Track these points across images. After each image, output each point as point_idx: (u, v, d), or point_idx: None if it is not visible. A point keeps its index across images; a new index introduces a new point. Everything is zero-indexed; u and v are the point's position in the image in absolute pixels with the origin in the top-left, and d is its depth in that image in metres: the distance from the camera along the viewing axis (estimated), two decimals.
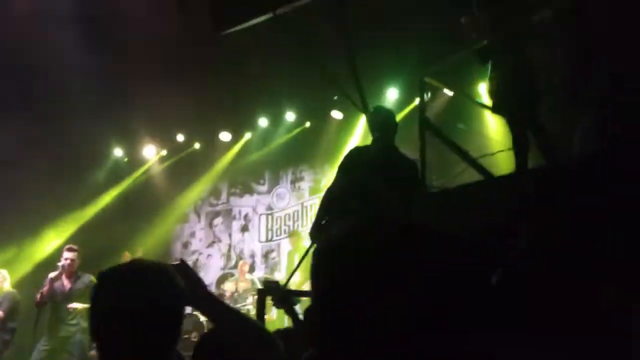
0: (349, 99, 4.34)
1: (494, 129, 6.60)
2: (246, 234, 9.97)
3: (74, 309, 5.95)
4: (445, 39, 5.25)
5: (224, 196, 10.38)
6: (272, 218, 9.81)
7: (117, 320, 1.33)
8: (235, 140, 9.90)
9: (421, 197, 3.98)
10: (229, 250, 10.00)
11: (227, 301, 7.03)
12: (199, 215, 10.49)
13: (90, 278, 6.01)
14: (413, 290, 0.82)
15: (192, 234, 10.38)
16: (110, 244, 8.72)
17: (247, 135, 9.88)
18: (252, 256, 9.66)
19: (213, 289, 9.04)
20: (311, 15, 4.61)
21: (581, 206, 2.63)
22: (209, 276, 9.61)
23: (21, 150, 7.48)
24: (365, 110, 4.13)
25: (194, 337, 6.65)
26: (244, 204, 10.15)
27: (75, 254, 6.14)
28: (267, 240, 9.72)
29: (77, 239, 8.85)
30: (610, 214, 2.94)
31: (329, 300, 0.85)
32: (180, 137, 9.96)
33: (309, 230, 4.32)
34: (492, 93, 4.66)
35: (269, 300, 3.61)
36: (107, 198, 9.97)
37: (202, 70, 8.72)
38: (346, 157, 4.28)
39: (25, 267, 8.42)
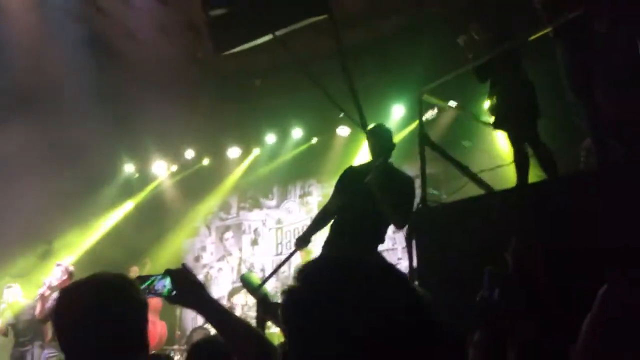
0: (350, 118, 4.43)
1: (500, 145, 6.66)
2: (256, 247, 10.07)
3: None
4: (448, 57, 5.35)
5: (233, 210, 10.50)
6: (282, 232, 9.92)
7: (78, 333, 1.41)
8: (243, 156, 10.05)
9: (420, 212, 4.04)
10: (240, 264, 10.10)
11: (238, 314, 7.10)
12: (209, 230, 10.62)
13: None
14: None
15: (203, 248, 10.49)
16: (122, 258, 8.84)
17: (256, 151, 10.03)
18: (263, 270, 9.75)
19: (224, 302, 9.13)
20: (310, 35, 4.73)
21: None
22: (220, 289, 9.72)
23: (34, 166, 7.63)
24: (364, 128, 4.21)
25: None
26: (254, 218, 10.27)
27: (64, 269, 6.26)
28: (277, 254, 9.81)
29: (89, 254, 9.03)
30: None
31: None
32: (189, 153, 10.11)
33: (297, 237, 4.38)
34: (493, 110, 4.75)
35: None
36: (119, 213, 10.13)
37: (210, 88, 8.91)
38: (341, 177, 4.34)
39: (38, 281, 8.58)
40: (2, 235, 7.48)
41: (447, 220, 3.96)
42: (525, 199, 3.77)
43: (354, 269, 0.96)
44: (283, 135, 9.61)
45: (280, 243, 9.85)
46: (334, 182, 4.43)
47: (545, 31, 3.94)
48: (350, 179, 4.26)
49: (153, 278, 1.63)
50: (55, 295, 5.94)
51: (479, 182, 4.39)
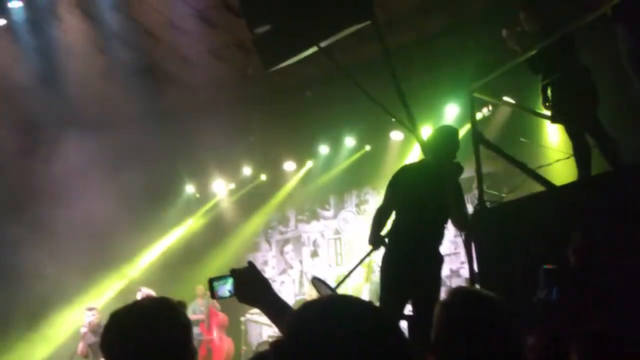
0: (399, 121, 4.38)
1: (557, 140, 6.40)
2: (316, 259, 10.10)
3: None
4: (499, 52, 5.21)
5: (292, 223, 10.59)
6: (341, 242, 9.90)
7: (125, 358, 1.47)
8: (299, 168, 10.14)
9: (478, 213, 3.94)
10: (301, 277, 10.15)
11: None
12: (270, 244, 10.75)
13: None
14: None
15: (265, 262, 10.62)
16: (186, 277, 9.10)
17: (310, 163, 10.10)
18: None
19: None
20: (355, 41, 4.73)
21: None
22: None
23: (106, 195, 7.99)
24: (414, 130, 4.15)
25: None
26: (312, 230, 10.31)
27: (94, 311, 6.67)
28: (337, 265, 9.79)
29: (153, 273, 9.36)
30: None
31: None
32: (247, 170, 10.31)
33: (368, 240, 4.30)
34: (549, 102, 4.58)
35: None
36: (181, 232, 10.45)
37: (262, 105, 9.08)
38: (397, 176, 4.26)
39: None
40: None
41: (507, 219, 3.85)
42: (589, 193, 3.60)
43: (345, 324, 0.93)
44: (336, 144, 9.63)
45: (340, 253, 9.83)
46: None
47: (602, 12, 3.74)
48: (409, 178, 4.18)
49: (220, 280, 1.68)
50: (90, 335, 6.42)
51: (539, 178, 4.23)
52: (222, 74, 8.83)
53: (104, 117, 8.31)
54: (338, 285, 4.21)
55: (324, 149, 9.75)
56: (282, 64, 4.15)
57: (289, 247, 10.50)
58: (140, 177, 8.00)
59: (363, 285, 7.91)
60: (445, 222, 4.11)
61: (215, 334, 8.62)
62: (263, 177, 10.42)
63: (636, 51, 3.81)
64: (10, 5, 7.30)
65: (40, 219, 7.68)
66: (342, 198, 10.03)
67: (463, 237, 4.17)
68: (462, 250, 7.99)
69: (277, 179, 10.35)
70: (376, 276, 6.77)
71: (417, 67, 7.40)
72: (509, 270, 3.49)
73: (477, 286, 3.88)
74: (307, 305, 0.99)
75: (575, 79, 4.34)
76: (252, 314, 8.53)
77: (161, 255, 10.08)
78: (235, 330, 8.86)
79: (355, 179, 9.64)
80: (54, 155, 7.85)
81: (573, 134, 4.44)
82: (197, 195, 10.75)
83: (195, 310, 8.72)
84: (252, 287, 1.62)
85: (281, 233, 10.66)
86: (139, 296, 6.55)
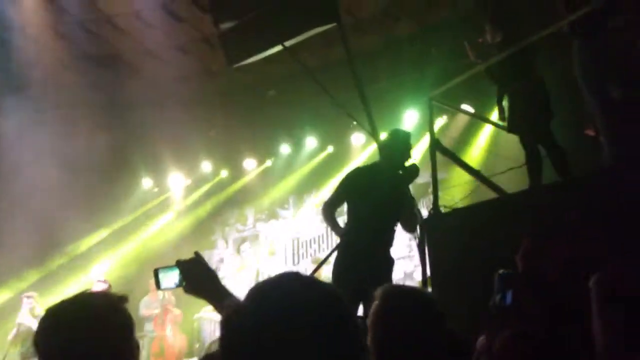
0: (360, 125, 4.44)
1: (512, 148, 6.59)
2: (273, 258, 10.09)
3: None
4: (460, 61, 5.34)
5: (250, 222, 10.55)
6: (299, 242, 9.92)
7: (61, 355, 1.41)
8: (259, 167, 10.10)
9: (432, 218, 4.03)
10: (257, 275, 10.11)
11: None
12: (226, 242, 10.67)
13: None
14: None
15: (221, 260, 10.53)
16: (143, 272, 8.94)
17: (269, 162, 10.08)
18: None
19: None
20: (321, 43, 4.77)
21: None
22: None
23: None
24: (374, 134, 4.22)
25: None
26: (270, 229, 10.29)
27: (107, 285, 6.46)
28: (293, 264, 9.81)
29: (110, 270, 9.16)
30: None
31: None
32: (206, 166, 10.20)
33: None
34: (506, 112, 4.73)
35: None
36: (137, 226, 10.27)
37: (225, 101, 9.01)
38: (350, 178, 4.26)
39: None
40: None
41: (459, 225, 3.95)
42: (539, 201, 3.73)
43: (295, 291, 0.97)
44: (298, 145, 9.65)
45: (297, 254, 9.85)
46: None
47: (559, 25, 3.88)
48: (364, 184, 4.16)
49: (165, 271, 1.66)
50: None
51: (492, 185, 4.36)
52: (186, 68, 8.72)
53: (56, 99, 8.04)
54: None
55: (285, 149, 9.75)
56: (246, 60, 4.15)
57: (246, 246, 10.45)
58: (93, 167, 7.82)
59: None
60: (396, 226, 4.20)
61: (168, 330, 8.47)
62: (224, 173, 10.33)
63: (589, 64, 3.97)
64: None
65: None
66: (302, 198, 10.06)
67: (417, 240, 4.26)
68: (416, 254, 8.14)
69: (237, 176, 10.28)
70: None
71: (381, 72, 7.51)
72: (462, 274, 3.59)
73: (429, 289, 3.97)
74: (260, 282, 1.02)
75: (530, 91, 4.49)
76: (206, 311, 8.45)
77: (116, 249, 9.87)
78: (188, 327, 8.76)
79: (315, 179, 9.68)
80: None
81: (526, 143, 4.59)
82: (155, 189, 10.55)
83: (149, 306, 8.56)
84: (198, 278, 1.62)
85: (239, 231, 10.60)
86: (96, 287, 6.39)
